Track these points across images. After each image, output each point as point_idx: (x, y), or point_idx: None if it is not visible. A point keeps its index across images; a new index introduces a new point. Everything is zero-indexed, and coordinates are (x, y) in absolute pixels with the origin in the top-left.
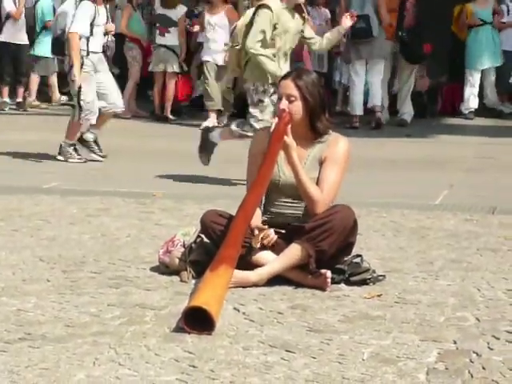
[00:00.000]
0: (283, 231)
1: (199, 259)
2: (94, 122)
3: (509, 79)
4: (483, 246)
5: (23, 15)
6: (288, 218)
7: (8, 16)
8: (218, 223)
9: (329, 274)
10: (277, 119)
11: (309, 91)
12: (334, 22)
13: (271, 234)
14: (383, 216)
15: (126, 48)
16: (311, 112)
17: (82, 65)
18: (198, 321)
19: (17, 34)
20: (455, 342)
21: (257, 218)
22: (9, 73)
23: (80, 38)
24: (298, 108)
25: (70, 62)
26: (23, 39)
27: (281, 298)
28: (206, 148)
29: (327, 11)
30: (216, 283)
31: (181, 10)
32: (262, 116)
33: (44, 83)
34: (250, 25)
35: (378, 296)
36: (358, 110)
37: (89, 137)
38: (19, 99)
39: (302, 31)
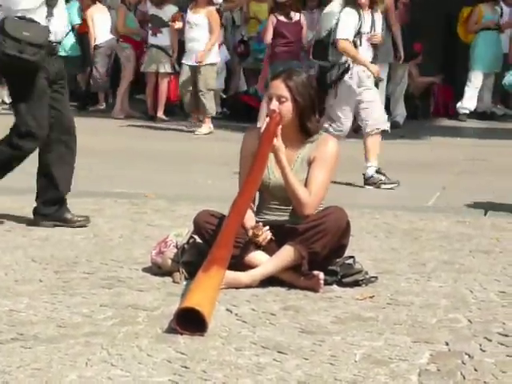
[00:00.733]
0: (275, 232)
1: (192, 260)
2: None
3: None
4: (475, 248)
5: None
6: (280, 221)
7: None
8: (211, 223)
9: (322, 275)
10: (267, 120)
11: (299, 92)
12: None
13: (266, 232)
14: (376, 217)
15: (119, 48)
16: (301, 113)
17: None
18: (190, 322)
19: None
20: (447, 344)
21: (250, 219)
22: None
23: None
24: (288, 109)
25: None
26: None
27: (273, 299)
28: None
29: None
30: (208, 284)
31: (172, 10)
32: None
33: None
34: None
35: (371, 297)
36: None
37: None
38: None
39: None
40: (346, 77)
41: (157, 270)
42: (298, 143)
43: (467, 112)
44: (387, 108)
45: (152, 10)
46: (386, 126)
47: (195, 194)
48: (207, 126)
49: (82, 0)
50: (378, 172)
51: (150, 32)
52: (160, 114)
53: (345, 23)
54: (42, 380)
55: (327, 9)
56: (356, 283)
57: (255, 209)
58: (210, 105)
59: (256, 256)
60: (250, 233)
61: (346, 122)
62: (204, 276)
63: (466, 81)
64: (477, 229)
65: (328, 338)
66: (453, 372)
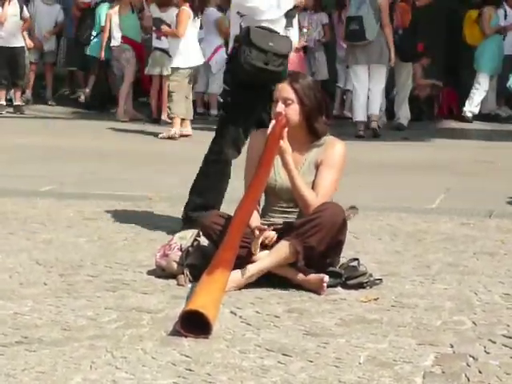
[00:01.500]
0: (279, 229)
1: (196, 263)
2: None
3: (506, 83)
4: (480, 250)
5: (17, 18)
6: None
7: None
8: (219, 224)
9: (326, 278)
10: (273, 122)
11: (305, 94)
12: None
13: (271, 234)
14: (380, 219)
15: (119, 50)
16: (308, 115)
17: None
18: (194, 324)
19: (9, 38)
20: (452, 346)
21: (255, 221)
22: (4, 76)
23: None
24: (294, 111)
25: None
26: (17, 43)
27: (277, 301)
28: None
29: (323, 15)
30: (213, 287)
31: (174, 12)
32: None
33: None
34: None
35: (375, 300)
36: (361, 116)
37: None
38: (17, 102)
39: None
40: None
41: (161, 272)
42: (305, 146)
43: (475, 113)
44: (391, 110)
45: (156, 13)
46: None
47: None
48: (173, 130)
49: None
50: None
51: (154, 35)
52: (164, 116)
53: None
54: (47, 383)
55: None
56: (360, 285)
57: (261, 211)
58: (174, 108)
59: (261, 255)
60: (253, 246)
61: None
62: (209, 279)
63: (474, 83)
64: (481, 231)
65: (332, 340)
66: (457, 374)
